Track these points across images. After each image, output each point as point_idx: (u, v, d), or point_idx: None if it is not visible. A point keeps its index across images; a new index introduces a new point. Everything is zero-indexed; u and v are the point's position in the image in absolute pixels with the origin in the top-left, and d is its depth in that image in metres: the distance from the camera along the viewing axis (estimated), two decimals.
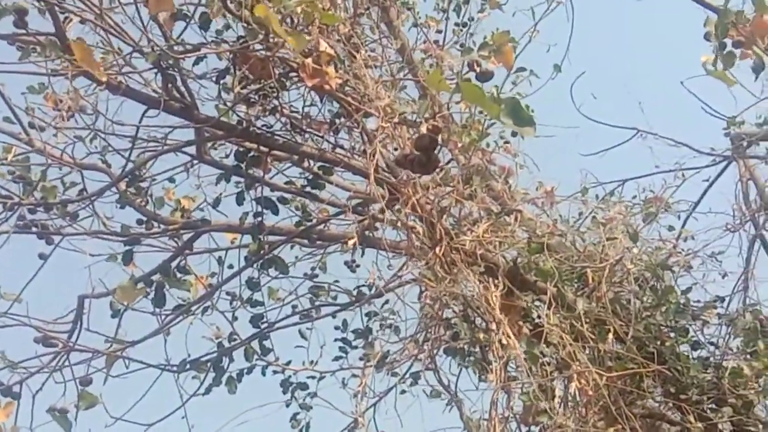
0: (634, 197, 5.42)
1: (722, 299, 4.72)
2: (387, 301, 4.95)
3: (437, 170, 3.63)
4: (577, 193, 4.74)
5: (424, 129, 3.26)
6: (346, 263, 5.17)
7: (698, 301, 4.53)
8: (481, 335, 3.78)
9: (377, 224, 4.46)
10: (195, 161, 4.52)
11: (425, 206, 3.91)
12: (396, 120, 3.48)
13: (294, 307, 4.99)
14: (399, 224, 3.97)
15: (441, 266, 3.51)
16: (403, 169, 3.60)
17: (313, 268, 5.10)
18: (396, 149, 3.62)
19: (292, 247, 4.89)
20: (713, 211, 5.63)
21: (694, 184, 5.85)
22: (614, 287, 4.30)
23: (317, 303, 4.98)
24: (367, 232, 4.33)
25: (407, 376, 4.79)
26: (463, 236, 4.01)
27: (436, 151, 3.33)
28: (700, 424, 3.70)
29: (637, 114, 5.97)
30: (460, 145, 4.31)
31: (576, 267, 4.28)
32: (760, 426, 3.83)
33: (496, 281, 3.90)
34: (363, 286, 5.01)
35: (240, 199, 4.22)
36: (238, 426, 4.57)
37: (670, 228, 5.36)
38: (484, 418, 4.23)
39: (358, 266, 5.12)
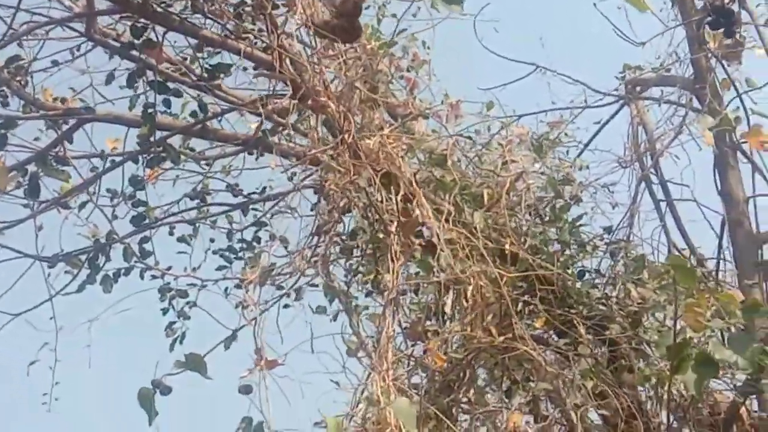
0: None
1: (610, 230, 4.78)
2: (279, 212, 4.78)
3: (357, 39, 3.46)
4: (481, 107, 4.66)
5: None
6: (228, 186, 4.97)
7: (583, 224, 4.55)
8: (381, 235, 3.67)
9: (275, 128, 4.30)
10: (83, 43, 4.24)
11: (329, 104, 3.76)
12: None
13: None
14: (303, 121, 3.80)
15: (349, 156, 3.36)
16: (324, 37, 3.42)
17: (194, 189, 4.91)
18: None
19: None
20: (606, 149, 5.67)
21: (589, 123, 5.88)
22: (511, 206, 4.26)
23: (202, 206, 4.80)
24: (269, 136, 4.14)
25: (292, 290, 4.64)
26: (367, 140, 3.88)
27: (359, 18, 3.17)
28: (589, 336, 3.72)
29: (538, 50, 5.94)
30: (368, 47, 4.18)
31: (475, 182, 4.22)
32: (645, 346, 3.89)
33: (396, 186, 3.79)
34: (254, 193, 4.84)
35: (131, 81, 3.94)
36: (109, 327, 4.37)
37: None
38: (371, 335, 4.14)
39: (241, 191, 4.94)
